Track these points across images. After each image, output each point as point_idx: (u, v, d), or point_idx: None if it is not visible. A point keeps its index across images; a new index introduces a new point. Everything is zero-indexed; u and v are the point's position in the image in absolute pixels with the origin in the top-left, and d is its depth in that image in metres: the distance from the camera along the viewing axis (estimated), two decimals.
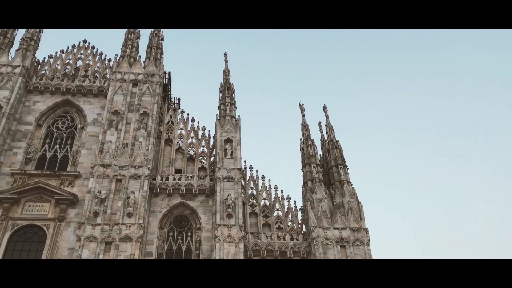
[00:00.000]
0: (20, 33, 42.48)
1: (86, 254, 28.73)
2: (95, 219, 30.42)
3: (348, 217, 33.01)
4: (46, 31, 57.71)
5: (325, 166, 37.86)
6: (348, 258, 30.94)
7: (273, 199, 35.27)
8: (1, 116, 34.97)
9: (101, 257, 28.73)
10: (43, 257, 29.60)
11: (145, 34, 44.63)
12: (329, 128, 39.77)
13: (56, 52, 42.94)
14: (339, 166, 36.38)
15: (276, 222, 34.18)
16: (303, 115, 40.28)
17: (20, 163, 34.15)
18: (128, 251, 29.13)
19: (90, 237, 29.45)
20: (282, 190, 35.56)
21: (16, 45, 41.41)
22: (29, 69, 39.05)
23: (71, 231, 31.00)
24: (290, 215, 34.65)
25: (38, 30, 42.73)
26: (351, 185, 35.39)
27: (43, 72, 41.02)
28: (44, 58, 42.33)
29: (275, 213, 34.68)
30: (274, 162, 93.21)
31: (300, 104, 40.97)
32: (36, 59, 41.46)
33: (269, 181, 36.06)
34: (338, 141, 38.37)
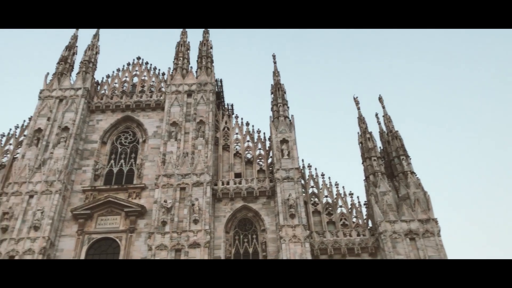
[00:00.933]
0: (79, 57, 44.78)
1: None
2: (163, 228, 31.45)
3: (415, 209, 31.96)
4: (102, 53, 60.70)
5: (386, 158, 36.89)
6: (419, 251, 29.98)
7: (335, 196, 34.83)
8: (69, 137, 37.11)
9: None
10: None
11: (194, 45, 45.74)
12: (387, 118, 38.74)
13: (113, 71, 44.99)
14: (401, 157, 35.31)
15: (341, 219, 33.70)
16: (358, 108, 39.54)
17: (90, 180, 36.02)
18: (197, 257, 29.85)
19: (161, 246, 30.48)
20: (343, 187, 35.07)
21: (76, 69, 43.81)
22: (90, 90, 41.15)
23: (142, 241, 32.25)
24: (354, 211, 34.06)
25: (94, 52, 44.97)
26: (416, 175, 34.25)
27: (103, 91, 43.11)
28: (103, 78, 44.48)
29: (339, 210, 34.20)
30: (332, 158, 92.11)
31: (354, 97, 40.25)
32: (95, 80, 43.60)
33: (329, 178, 35.69)
34: (397, 131, 37.27)
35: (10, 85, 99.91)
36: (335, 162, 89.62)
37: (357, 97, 40.27)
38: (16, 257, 30.00)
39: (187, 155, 35.71)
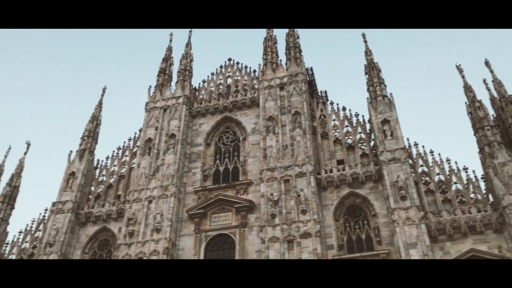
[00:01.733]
0: (175, 67, 47.35)
1: (272, 255, 30.47)
2: (273, 220, 32.10)
3: None
4: (196, 60, 63.53)
5: (502, 126, 33.90)
6: None
7: (447, 172, 32.77)
8: (176, 143, 39.49)
9: (286, 256, 30.17)
10: None
11: (281, 37, 46.01)
12: (497, 83, 35.56)
13: (208, 76, 46.86)
14: None
15: (457, 196, 31.63)
16: (462, 77, 36.74)
17: (200, 181, 37.99)
18: (310, 247, 30.02)
19: (273, 238, 31.15)
20: (456, 162, 32.85)
21: (174, 78, 46.40)
22: (189, 96, 43.35)
23: (255, 235, 33.26)
24: (471, 186, 31.75)
25: (189, 60, 47.24)
26: None
27: (201, 96, 45.13)
28: (199, 83, 46.52)
29: (454, 187, 32.12)
30: (439, 134, 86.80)
31: (457, 66, 37.45)
32: (193, 86, 45.81)
33: (439, 154, 33.66)
34: (511, 95, 33.99)
35: (120, 102, 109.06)
36: (443, 137, 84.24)
37: (460, 65, 37.46)
38: (144, 258, 32.66)
39: (286, 148, 36.02)
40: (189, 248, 34.11)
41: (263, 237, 31.39)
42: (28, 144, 44.88)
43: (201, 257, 33.53)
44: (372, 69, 38.92)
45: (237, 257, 32.63)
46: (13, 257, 37.01)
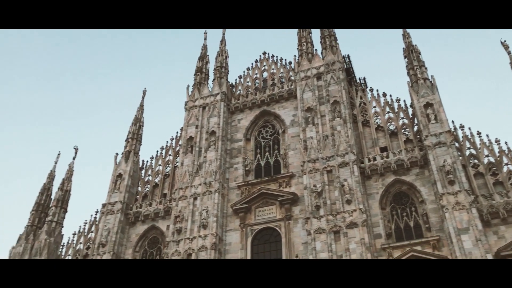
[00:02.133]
0: (211, 65, 47.78)
1: (319, 246, 30.33)
2: (317, 212, 31.93)
3: None
4: (231, 56, 63.79)
5: None
6: None
7: (497, 154, 31.48)
8: (216, 140, 39.93)
9: (333, 247, 29.96)
10: (283, 255, 32.45)
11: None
12: None
13: (244, 71, 46.96)
14: None
15: (509, 178, 30.33)
16: (508, 53, 35.11)
17: (242, 176, 38.28)
18: (357, 237, 29.69)
19: (319, 230, 30.98)
20: (506, 142, 31.47)
21: (211, 76, 46.82)
22: (226, 93, 43.66)
23: (300, 227, 33.20)
24: None
25: (224, 57, 47.52)
26: None
27: (238, 92, 45.35)
28: (236, 79, 46.75)
29: (505, 169, 30.82)
30: (486, 115, 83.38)
31: (501, 42, 35.83)
32: (230, 83, 46.08)
33: (487, 135, 32.37)
34: None
35: (161, 102, 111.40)
36: (490, 119, 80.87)
37: (505, 41, 35.77)
38: (193, 254, 33.32)
39: (327, 138, 35.66)
40: (236, 242, 34.50)
41: (308, 229, 31.28)
42: (76, 149, 46.78)
43: (248, 251, 33.84)
44: (411, 52, 37.83)
45: (283, 250, 32.72)
46: (69, 258, 38.74)
